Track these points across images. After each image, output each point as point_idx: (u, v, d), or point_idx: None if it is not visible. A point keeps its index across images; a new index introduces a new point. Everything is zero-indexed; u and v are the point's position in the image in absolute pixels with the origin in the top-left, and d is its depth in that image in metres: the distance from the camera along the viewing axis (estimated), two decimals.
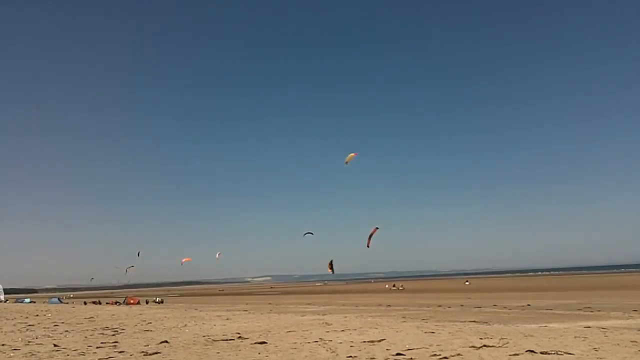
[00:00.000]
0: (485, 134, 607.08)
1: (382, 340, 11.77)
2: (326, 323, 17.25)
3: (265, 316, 22.38)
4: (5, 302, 72.48)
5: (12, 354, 11.33)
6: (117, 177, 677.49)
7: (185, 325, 18.14)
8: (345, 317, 20.88)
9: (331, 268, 48.60)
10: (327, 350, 10.45)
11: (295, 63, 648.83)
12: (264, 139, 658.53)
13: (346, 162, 46.24)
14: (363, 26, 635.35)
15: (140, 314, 27.25)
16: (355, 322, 17.49)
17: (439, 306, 29.92)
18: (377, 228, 50.15)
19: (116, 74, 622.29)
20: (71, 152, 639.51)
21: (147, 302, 61.62)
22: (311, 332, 14.08)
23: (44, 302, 65.94)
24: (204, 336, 13.90)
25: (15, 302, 69.09)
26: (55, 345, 12.64)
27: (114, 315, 27.26)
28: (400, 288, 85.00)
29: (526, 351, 9.51)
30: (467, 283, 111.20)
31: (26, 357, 10.88)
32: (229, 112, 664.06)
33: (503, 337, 11.75)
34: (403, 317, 20.19)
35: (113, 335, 15.11)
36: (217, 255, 79.39)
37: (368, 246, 53.23)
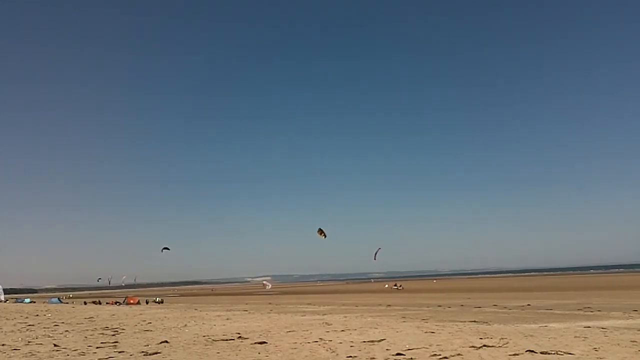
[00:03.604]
0: (485, 134, 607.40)
1: (382, 340, 11.77)
2: (326, 323, 17.25)
3: (265, 316, 22.38)
4: (5, 302, 72.47)
5: (12, 354, 11.33)
6: (117, 177, 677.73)
7: (185, 325, 18.13)
8: (345, 317, 20.88)
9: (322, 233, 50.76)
10: (327, 350, 10.45)
11: (295, 63, 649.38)
12: (264, 139, 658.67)
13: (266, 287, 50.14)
14: (363, 26, 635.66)
15: (140, 314, 27.24)
16: (355, 322, 17.49)
17: (439, 306, 29.92)
18: (380, 248, 70.05)
19: (117, 74, 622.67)
20: (71, 152, 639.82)
21: (147, 302, 61.58)
22: (311, 332, 14.08)
23: (44, 302, 65.92)
24: (204, 336, 13.90)
25: (15, 302, 69.07)
26: (55, 345, 12.64)
27: (114, 315, 27.26)
28: (400, 288, 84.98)
29: (526, 351, 9.51)
30: (434, 281, 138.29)
31: (26, 357, 10.88)
32: (229, 112, 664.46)
33: (503, 337, 11.75)
34: (403, 317, 20.19)
35: (113, 335, 15.10)
36: (122, 278, 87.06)
37: (375, 259, 68.57)
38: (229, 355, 10.34)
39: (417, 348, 10.30)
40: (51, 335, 15.65)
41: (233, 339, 12.91)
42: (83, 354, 11.12)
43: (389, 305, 33.22)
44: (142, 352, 11.05)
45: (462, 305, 30.35)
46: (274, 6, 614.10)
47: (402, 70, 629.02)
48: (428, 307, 29.77)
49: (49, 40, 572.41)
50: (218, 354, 10.46)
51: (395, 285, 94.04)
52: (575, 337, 11.59)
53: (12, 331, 17.56)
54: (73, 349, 11.97)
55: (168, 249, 69.18)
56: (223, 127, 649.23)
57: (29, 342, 13.73)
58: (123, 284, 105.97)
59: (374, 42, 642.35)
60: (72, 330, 17.41)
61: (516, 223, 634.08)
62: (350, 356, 9.63)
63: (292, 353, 10.29)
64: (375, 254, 68.82)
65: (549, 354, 9.20)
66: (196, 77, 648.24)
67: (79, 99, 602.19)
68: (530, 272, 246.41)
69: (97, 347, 12.08)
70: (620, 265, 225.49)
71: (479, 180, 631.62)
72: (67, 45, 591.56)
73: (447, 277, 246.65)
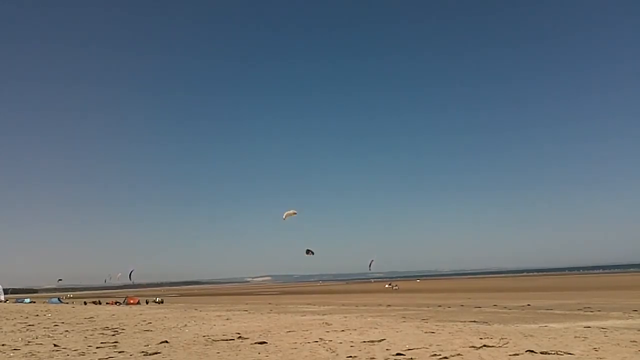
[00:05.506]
0: (485, 134, 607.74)
1: (382, 340, 11.77)
2: (326, 323, 17.25)
3: (265, 316, 22.38)
4: (5, 302, 72.43)
5: (12, 354, 11.33)
6: (117, 177, 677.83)
7: (185, 325, 18.13)
8: (345, 317, 20.88)
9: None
10: (327, 350, 10.45)
11: (296, 63, 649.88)
12: (264, 139, 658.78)
13: (284, 218, 50.19)
14: (363, 26, 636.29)
15: (140, 314, 27.24)
16: (355, 322, 17.49)
17: (439, 306, 29.93)
18: (373, 260, 78.85)
19: (116, 74, 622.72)
20: (71, 152, 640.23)
21: (147, 302, 61.55)
22: (311, 332, 14.08)
23: (44, 302, 65.88)
24: (204, 336, 13.90)
25: (15, 302, 69.05)
26: (55, 345, 12.63)
27: (114, 315, 27.26)
28: (395, 288, 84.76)
29: (526, 351, 9.51)
30: (418, 281, 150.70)
31: (26, 357, 10.87)
32: (229, 112, 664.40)
33: (503, 337, 11.75)
34: (403, 317, 20.19)
35: (113, 335, 15.10)
36: (117, 275, 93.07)
37: (370, 269, 79.26)
38: (229, 355, 10.33)
39: (417, 348, 10.30)
40: (51, 335, 15.65)
41: (233, 339, 12.91)
42: (83, 354, 11.11)
43: (389, 305, 33.23)
44: (142, 352, 11.05)
45: (462, 305, 30.36)
46: (274, 6, 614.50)
47: (402, 70, 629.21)
48: (428, 307, 29.77)
49: (48, 40, 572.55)
50: (218, 354, 10.45)
51: (390, 284, 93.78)
52: (575, 337, 11.59)
53: (12, 331, 17.55)
54: (73, 349, 11.97)
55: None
56: (222, 127, 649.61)
57: (29, 342, 13.73)
58: (118, 281, 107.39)
59: (374, 42, 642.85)
60: (72, 330, 17.40)
61: (516, 223, 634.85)
62: (350, 356, 9.63)
63: (292, 353, 10.29)
64: (370, 264, 73.61)
65: (549, 354, 9.20)
66: (196, 77, 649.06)
67: (77, 98, 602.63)
68: (530, 272, 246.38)
69: (97, 347, 12.07)
70: (620, 265, 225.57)
71: (479, 180, 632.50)
72: (66, 44, 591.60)
73: (446, 277, 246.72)
